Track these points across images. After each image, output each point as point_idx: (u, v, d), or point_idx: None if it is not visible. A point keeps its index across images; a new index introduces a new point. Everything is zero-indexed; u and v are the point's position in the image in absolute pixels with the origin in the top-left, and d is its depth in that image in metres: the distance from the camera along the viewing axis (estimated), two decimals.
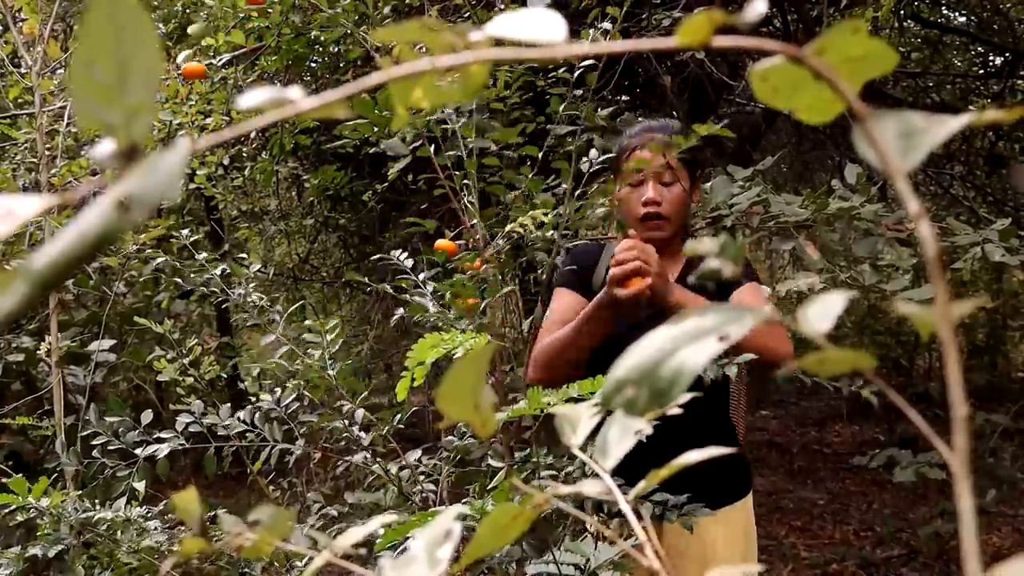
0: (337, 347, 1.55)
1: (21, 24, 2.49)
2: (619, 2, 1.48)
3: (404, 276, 1.57)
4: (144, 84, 0.28)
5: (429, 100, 0.36)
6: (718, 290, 1.79)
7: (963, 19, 5.90)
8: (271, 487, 2.35)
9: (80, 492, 1.72)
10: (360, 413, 1.56)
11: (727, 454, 0.50)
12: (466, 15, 2.10)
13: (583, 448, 0.50)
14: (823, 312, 0.32)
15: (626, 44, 0.30)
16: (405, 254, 1.60)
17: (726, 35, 0.30)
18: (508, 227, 1.41)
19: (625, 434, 0.45)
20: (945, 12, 5.87)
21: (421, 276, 1.56)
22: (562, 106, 1.53)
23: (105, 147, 0.28)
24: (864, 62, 0.36)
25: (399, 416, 1.57)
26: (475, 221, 1.62)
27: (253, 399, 1.70)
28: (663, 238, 1.81)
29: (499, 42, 0.34)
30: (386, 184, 1.97)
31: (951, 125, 0.32)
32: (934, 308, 0.31)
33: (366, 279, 1.87)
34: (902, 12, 4.97)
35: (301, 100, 0.28)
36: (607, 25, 1.46)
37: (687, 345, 0.31)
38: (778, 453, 6.64)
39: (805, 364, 0.31)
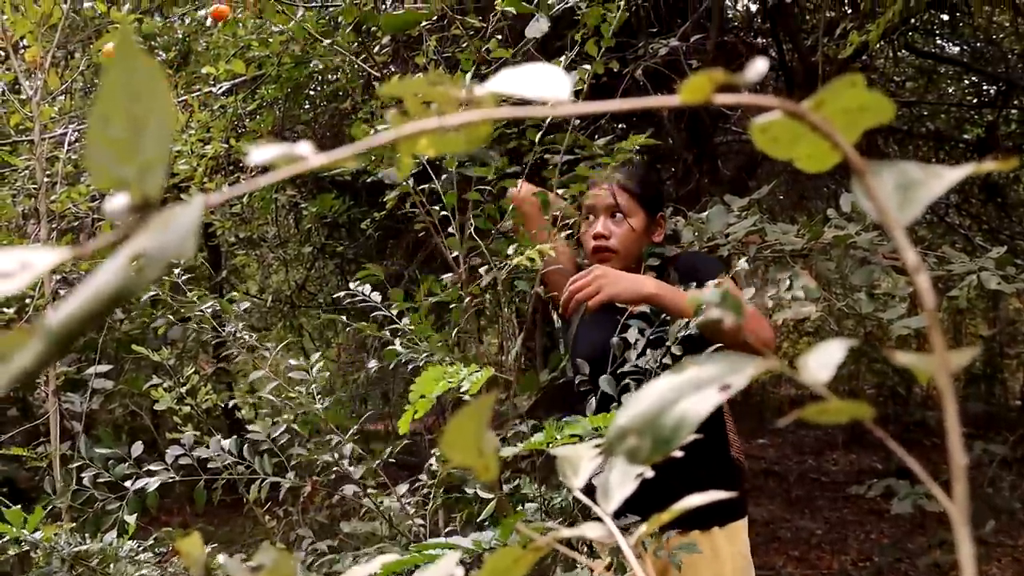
0: (323, 382, 1.55)
1: (23, 52, 2.51)
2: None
3: (376, 310, 1.58)
4: (158, 139, 0.28)
5: (435, 149, 0.37)
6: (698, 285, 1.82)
7: (957, 49, 5.96)
8: (266, 516, 2.33)
9: (72, 526, 1.70)
10: (349, 448, 1.55)
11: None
12: (464, 46, 2.12)
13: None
14: (823, 361, 0.33)
15: (632, 102, 0.31)
16: (375, 293, 1.62)
17: (727, 93, 0.30)
18: (515, 260, 1.42)
19: (626, 477, 0.45)
20: (939, 42, 5.92)
21: (395, 312, 1.57)
22: (538, 136, 1.58)
23: (119, 201, 0.28)
24: (861, 113, 0.36)
25: (390, 450, 1.58)
26: (456, 254, 1.63)
27: (249, 427, 1.70)
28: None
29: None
30: (384, 212, 1.98)
31: (949, 178, 0.33)
32: (932, 358, 0.31)
33: (343, 317, 1.88)
34: (896, 42, 5.02)
35: (312, 156, 0.29)
36: (588, 67, 1.51)
37: (689, 394, 0.32)
38: (775, 481, 6.61)
39: (806, 414, 0.32)
